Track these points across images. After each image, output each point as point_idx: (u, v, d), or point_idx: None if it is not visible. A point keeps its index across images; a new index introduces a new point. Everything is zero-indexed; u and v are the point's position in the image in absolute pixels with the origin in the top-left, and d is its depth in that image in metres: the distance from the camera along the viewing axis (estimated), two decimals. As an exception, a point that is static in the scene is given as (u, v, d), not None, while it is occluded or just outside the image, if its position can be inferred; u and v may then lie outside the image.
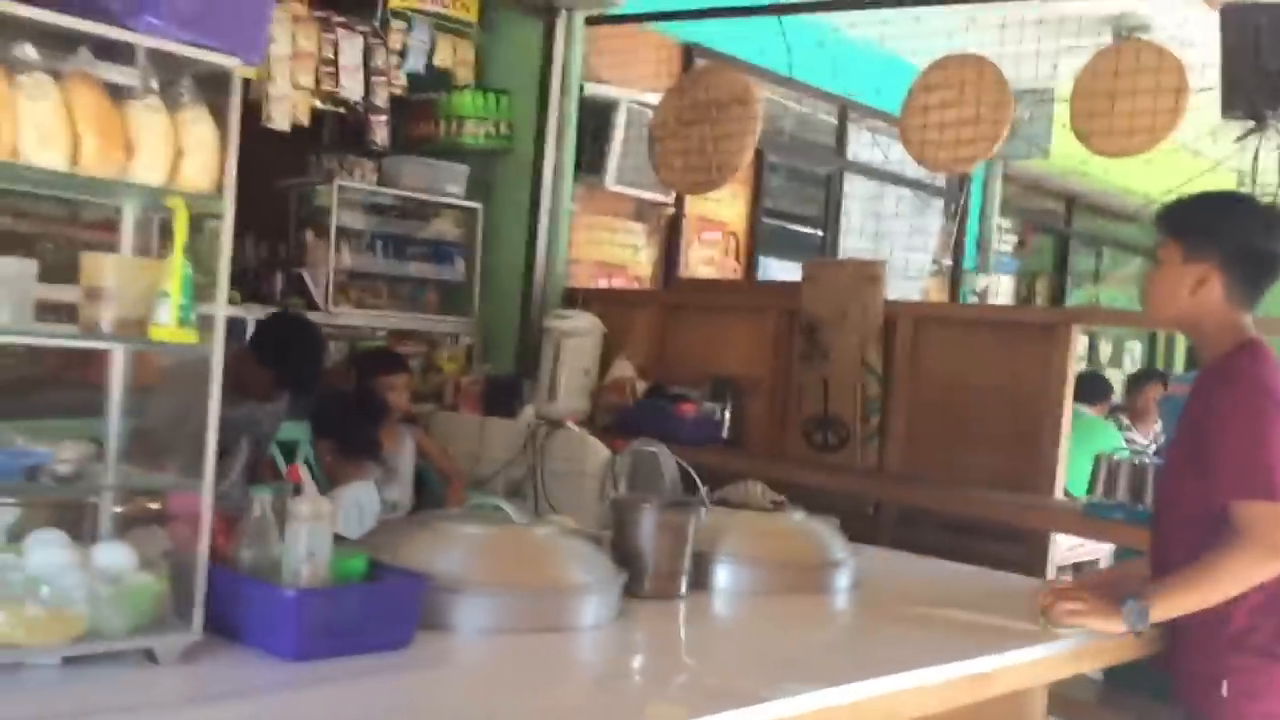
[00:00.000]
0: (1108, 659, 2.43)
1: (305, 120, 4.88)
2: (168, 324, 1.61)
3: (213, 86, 1.67)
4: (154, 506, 1.88)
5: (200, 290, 1.66)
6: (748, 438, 4.94)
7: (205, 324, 1.65)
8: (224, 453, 3.65)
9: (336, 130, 5.57)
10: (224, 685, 1.60)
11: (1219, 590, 2.20)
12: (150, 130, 1.56)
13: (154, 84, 1.58)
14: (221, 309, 1.65)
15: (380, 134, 5.20)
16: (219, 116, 1.65)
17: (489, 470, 4.79)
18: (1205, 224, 2.34)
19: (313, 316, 4.97)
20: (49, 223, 3.24)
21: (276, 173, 5.24)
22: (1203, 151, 5.70)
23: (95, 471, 1.69)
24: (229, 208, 1.65)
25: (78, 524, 1.81)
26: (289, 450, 4.09)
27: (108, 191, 1.69)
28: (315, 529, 1.76)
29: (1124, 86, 4.22)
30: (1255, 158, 4.76)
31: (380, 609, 1.77)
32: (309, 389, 3.89)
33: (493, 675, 1.81)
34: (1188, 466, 2.33)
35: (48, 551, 1.59)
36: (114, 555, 1.65)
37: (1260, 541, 2.16)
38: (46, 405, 2.02)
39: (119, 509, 1.86)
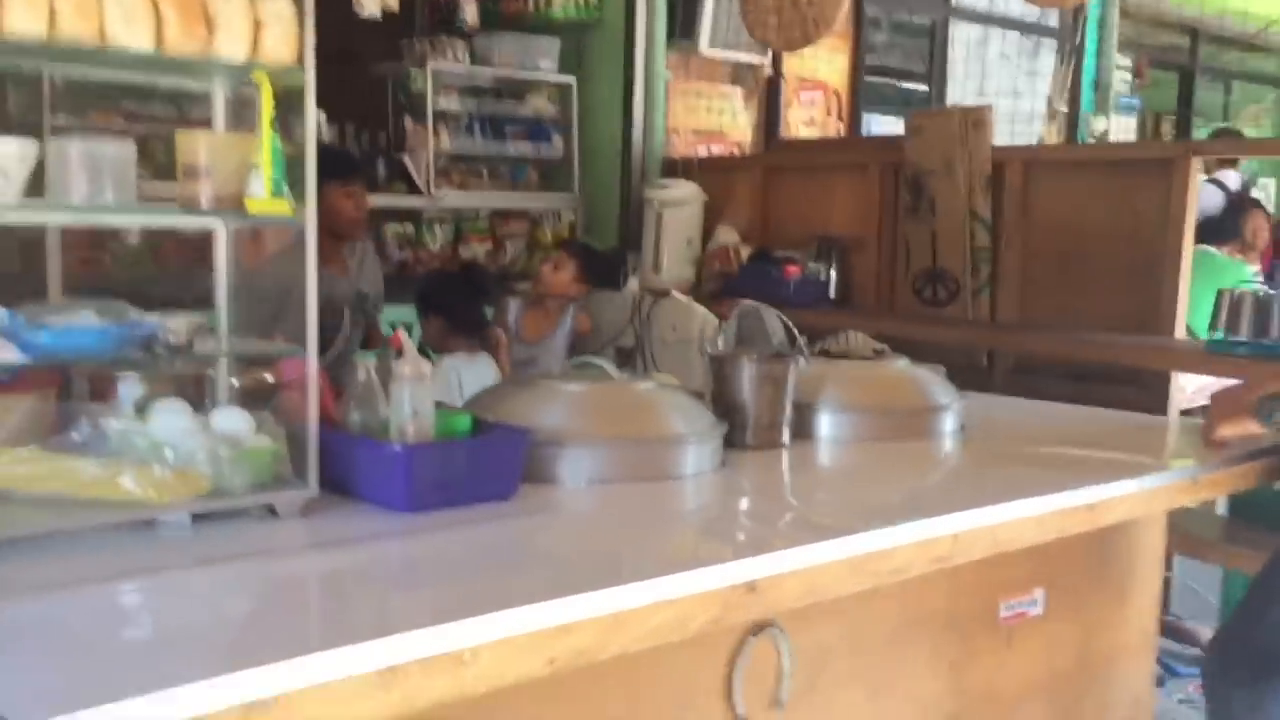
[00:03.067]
0: (1224, 489, 2.38)
1: (395, 5, 4.88)
2: (261, 196, 1.66)
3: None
4: (268, 379, 1.96)
5: (292, 163, 1.70)
6: (856, 297, 4.90)
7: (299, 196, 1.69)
8: (326, 328, 3.79)
9: (427, 13, 5.57)
10: (343, 533, 1.69)
11: None
12: (229, 4, 1.59)
13: (226, -42, 1.60)
14: (311, 179, 1.69)
15: (470, 12, 5.20)
16: (294, -13, 1.66)
17: (599, 344, 4.84)
18: None
19: (417, 200, 5.07)
20: (154, 122, 3.35)
21: (372, 60, 5.28)
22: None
23: (207, 344, 1.77)
24: (310, 78, 1.67)
25: (197, 395, 1.90)
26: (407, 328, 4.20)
27: (194, 70, 1.73)
28: (417, 388, 1.82)
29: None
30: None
31: (484, 461, 1.84)
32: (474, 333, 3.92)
33: (596, 520, 1.87)
34: None
35: (170, 418, 1.69)
36: (231, 420, 1.73)
37: None
38: (159, 296, 2.10)
39: (235, 381, 1.95)
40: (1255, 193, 9.93)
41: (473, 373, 3.64)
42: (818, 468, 2.37)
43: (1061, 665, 2.50)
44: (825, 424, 2.50)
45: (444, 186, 5.15)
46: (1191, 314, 4.09)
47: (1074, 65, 7.67)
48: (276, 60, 1.66)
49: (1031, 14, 7.41)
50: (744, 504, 2.08)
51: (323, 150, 4.74)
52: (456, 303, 3.75)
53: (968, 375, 4.13)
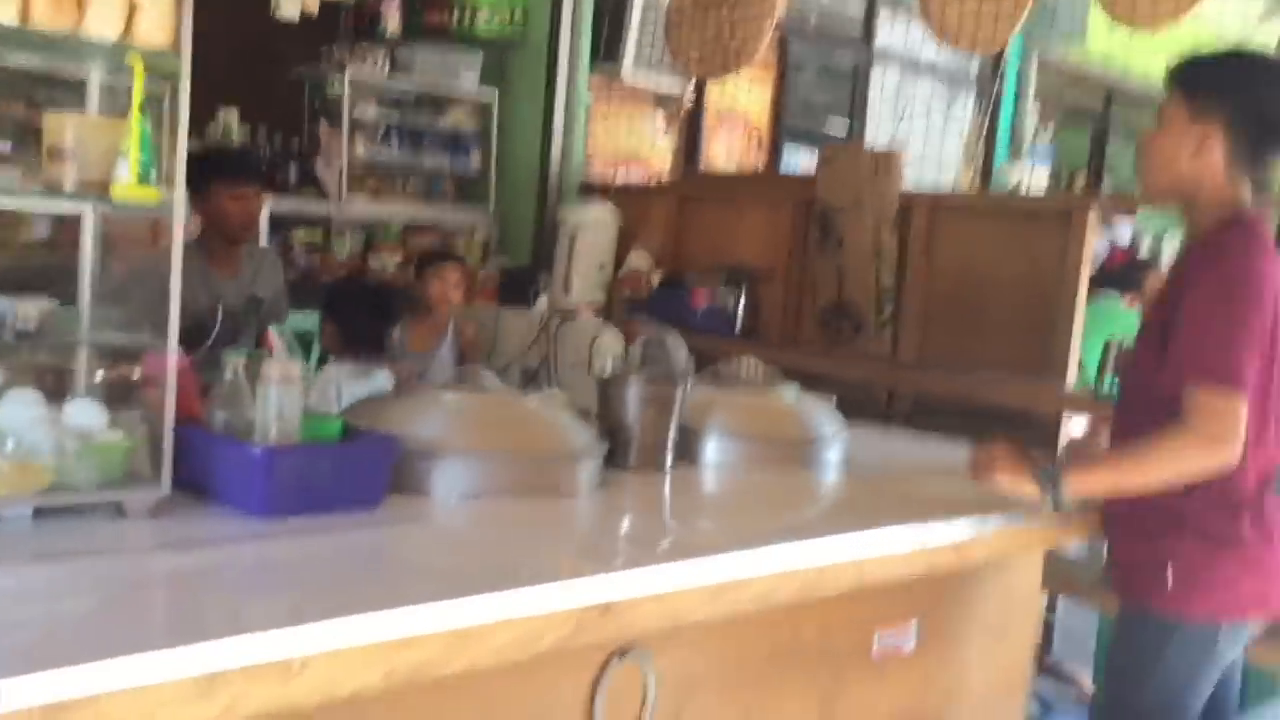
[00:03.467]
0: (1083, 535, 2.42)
1: (314, 9, 4.82)
2: (127, 181, 1.61)
3: (167, -60, 1.63)
4: (134, 373, 1.90)
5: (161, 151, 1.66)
6: (763, 327, 4.93)
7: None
8: (207, 328, 3.70)
9: (349, 20, 5.51)
10: (191, 534, 1.64)
11: (1145, 475, 2.05)
12: (100, -17, 1.55)
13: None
14: (181, 164, 1.64)
15: (392, 21, 5.15)
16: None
17: (503, 362, 4.81)
18: (1217, 80, 2.14)
19: (326, 206, 5.00)
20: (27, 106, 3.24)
21: (290, 64, 5.21)
22: (1251, 39, 5.51)
23: (65, 332, 1.72)
24: (186, 64, 1.63)
25: (58, 386, 1.83)
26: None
27: (63, 50, 1.68)
28: (284, 390, 1.77)
29: (1150, -43, 4.07)
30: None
31: (349, 468, 1.80)
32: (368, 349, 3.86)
33: (461, 534, 1.84)
34: (1155, 347, 2.13)
35: (16, 407, 1.62)
36: (85, 413, 1.67)
37: (1199, 430, 1.98)
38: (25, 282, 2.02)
39: (101, 373, 1.88)
40: (1165, 249, 10.24)
41: (362, 388, 3.55)
42: (695, 492, 2.36)
43: (933, 701, 2.51)
44: (710, 449, 2.50)
45: (356, 195, 5.08)
46: (1087, 357, 4.18)
47: (990, 114, 7.84)
48: (151, 43, 1.62)
49: (952, 63, 7.56)
50: (614, 525, 2.06)
51: (214, 151, 4.61)
52: (355, 316, 3.66)
53: (867, 410, 4.17)
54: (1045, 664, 3.95)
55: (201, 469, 1.76)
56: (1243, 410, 1.98)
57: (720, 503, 2.29)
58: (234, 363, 1.85)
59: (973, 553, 2.17)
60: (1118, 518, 2.25)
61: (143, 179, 1.62)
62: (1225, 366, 1.98)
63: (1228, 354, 1.99)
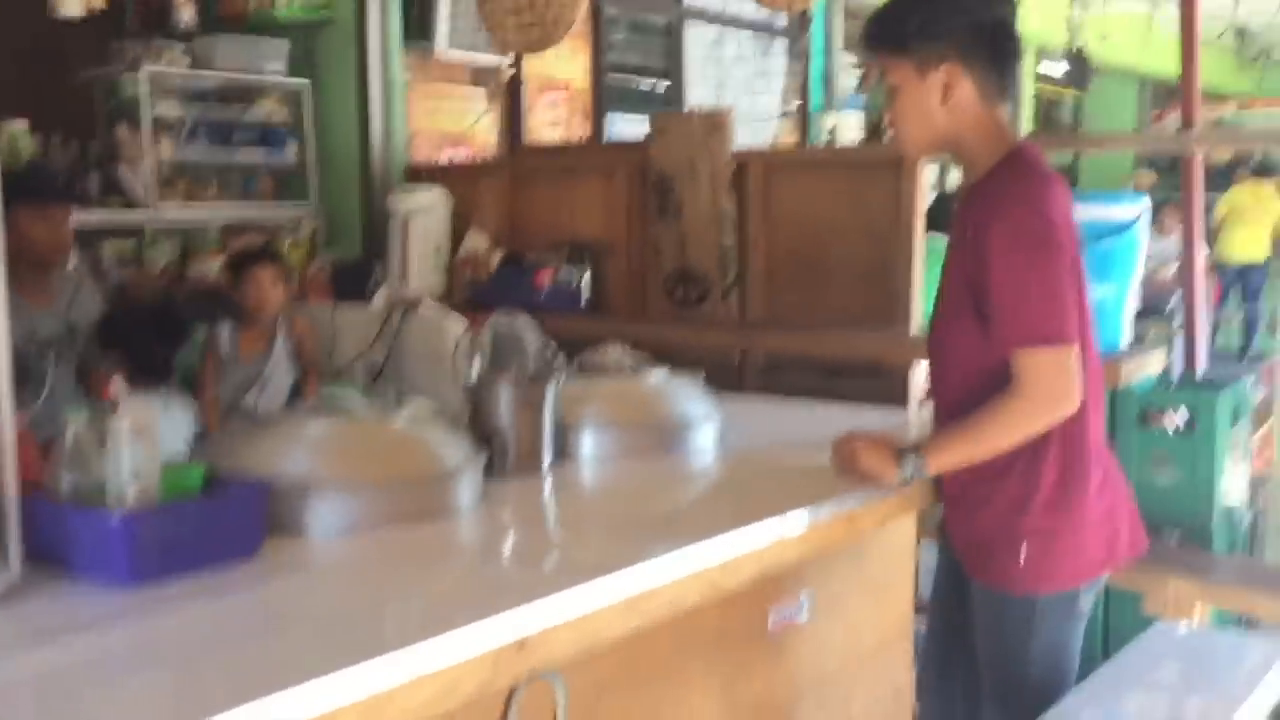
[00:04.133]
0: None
1: (100, 3, 4.49)
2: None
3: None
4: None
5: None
6: (609, 301, 4.88)
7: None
8: (31, 370, 3.43)
9: (135, 14, 5.16)
10: (54, 621, 1.49)
11: (994, 442, 2.04)
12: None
13: None
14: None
15: (186, 13, 4.85)
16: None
17: (345, 360, 4.63)
18: (924, 21, 2.04)
19: (136, 214, 4.69)
20: None
21: (77, 65, 4.85)
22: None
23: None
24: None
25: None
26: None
27: None
28: (138, 444, 1.63)
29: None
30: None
31: (220, 521, 1.67)
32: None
33: (348, 576, 1.73)
34: (962, 305, 2.09)
35: None
36: (-90, 498, 1.50)
37: (1040, 389, 1.97)
38: None
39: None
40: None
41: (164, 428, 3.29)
42: (581, 493, 2.30)
43: (829, 667, 2.54)
44: (586, 443, 2.44)
45: (167, 199, 4.79)
46: (928, 303, 4.27)
47: (803, 64, 7.95)
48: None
49: (762, 15, 7.61)
50: (507, 545, 1.98)
51: (12, 171, 4.27)
52: (135, 341, 3.35)
53: (721, 374, 4.17)
54: (918, 604, 4.06)
55: (54, 541, 1.60)
56: (1074, 362, 1.99)
57: (609, 504, 2.24)
58: (76, 419, 1.69)
59: (864, 522, 2.18)
60: (958, 499, 2.21)
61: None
62: (1048, 323, 1.97)
63: (1048, 307, 1.97)
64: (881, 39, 2.11)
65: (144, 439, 1.64)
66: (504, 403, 2.28)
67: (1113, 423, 3.77)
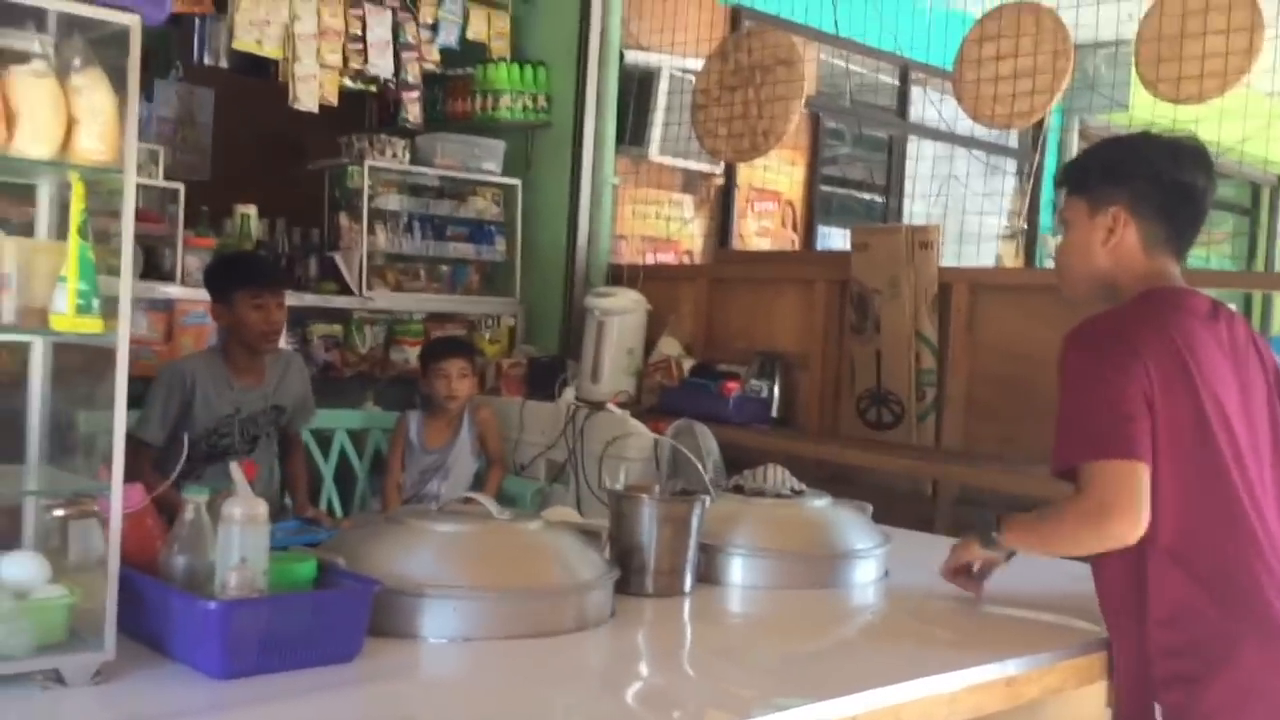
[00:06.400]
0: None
1: (334, 100, 4.75)
2: (65, 312, 1.46)
3: (114, 48, 1.50)
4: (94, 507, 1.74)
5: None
6: (798, 416, 4.71)
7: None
8: (224, 444, 3.53)
9: (372, 110, 5.45)
10: (139, 708, 1.46)
11: (1055, 535, 2.04)
12: (33, 94, 1.41)
13: (39, 47, 1.43)
14: (126, 292, 1.49)
15: (413, 111, 5.07)
16: (120, 82, 1.48)
17: (528, 455, 4.63)
18: (1106, 166, 2.09)
19: (347, 301, 4.88)
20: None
21: (311, 156, 5.14)
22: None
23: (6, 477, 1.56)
24: (130, 180, 1.49)
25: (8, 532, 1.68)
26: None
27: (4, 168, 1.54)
28: (248, 532, 1.60)
29: (1193, 28, 3.90)
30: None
31: (320, 619, 1.61)
32: None
33: (454, 687, 1.65)
34: None
35: (-57, 565, 1.46)
36: (22, 567, 1.51)
37: (1091, 497, 1.93)
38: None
39: (59, 511, 1.72)
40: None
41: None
42: (718, 624, 2.15)
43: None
44: (733, 568, 2.30)
45: (378, 286, 4.96)
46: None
47: (1033, 185, 7.64)
48: (91, 160, 1.47)
49: (990, 133, 7.39)
50: (631, 679, 1.84)
51: (233, 258, 4.50)
52: None
53: (911, 504, 3.94)
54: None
55: (154, 622, 1.58)
56: (1137, 478, 1.89)
57: (745, 641, 2.07)
58: (195, 501, 1.68)
59: (1027, 688, 1.94)
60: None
61: (83, 309, 1.47)
62: (1094, 438, 1.94)
63: (1093, 425, 1.94)
64: (1065, 175, 2.18)
65: (254, 527, 1.61)
66: (646, 519, 2.17)
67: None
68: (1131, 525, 1.89)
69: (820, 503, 2.48)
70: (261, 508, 1.63)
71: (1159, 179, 2.05)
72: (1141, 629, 1.93)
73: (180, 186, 4.38)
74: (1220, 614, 1.88)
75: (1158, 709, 1.90)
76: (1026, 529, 2.11)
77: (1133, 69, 4.22)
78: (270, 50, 4.58)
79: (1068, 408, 2.00)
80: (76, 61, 1.46)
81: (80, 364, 1.63)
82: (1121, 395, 1.91)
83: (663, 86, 5.50)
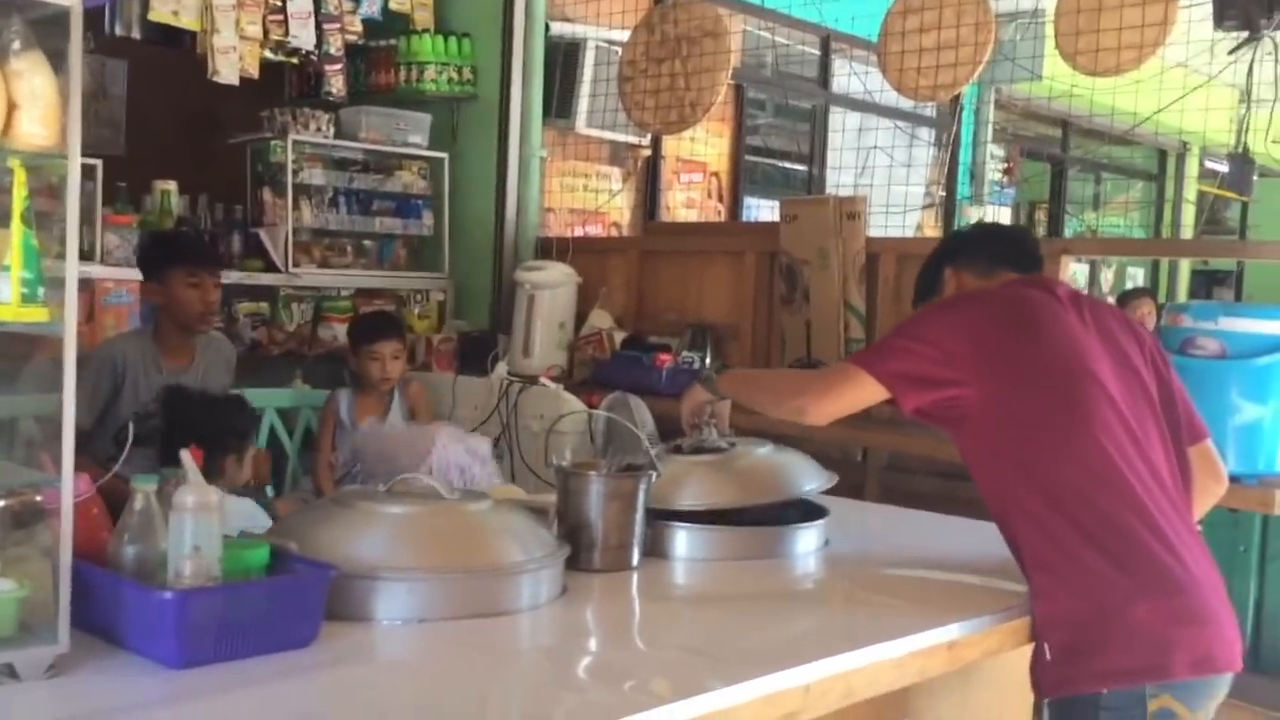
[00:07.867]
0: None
1: (254, 72, 4.65)
2: (9, 301, 1.43)
3: (55, 30, 1.46)
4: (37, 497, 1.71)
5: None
6: (730, 386, 4.76)
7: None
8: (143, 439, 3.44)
9: (293, 82, 5.35)
10: (96, 700, 1.44)
11: (763, 388, 2.42)
12: (-31, 82, 1.38)
13: (-27, 30, 1.39)
14: (72, 279, 1.46)
15: (336, 84, 4.99)
16: (60, 64, 1.45)
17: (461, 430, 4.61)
18: (925, 271, 2.42)
19: (273, 279, 4.81)
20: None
21: (230, 130, 5.03)
22: (1197, 68, 5.44)
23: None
24: (75, 167, 1.45)
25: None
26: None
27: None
28: (200, 520, 1.59)
29: (1109, 1, 4.00)
30: (1250, 72, 4.52)
31: (276, 605, 1.61)
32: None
33: (411, 668, 1.66)
34: None
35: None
36: (-33, 561, 1.48)
37: (816, 377, 2.28)
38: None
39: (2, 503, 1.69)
40: (1127, 281, 10.26)
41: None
42: (667, 597, 2.18)
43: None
44: (679, 541, 2.33)
45: (304, 263, 4.89)
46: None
47: (950, 155, 7.76)
48: (33, 145, 1.44)
49: (911, 103, 7.48)
50: (583, 653, 1.86)
51: (168, 236, 4.37)
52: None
53: (841, 469, 4.00)
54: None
55: (107, 614, 1.57)
56: (861, 388, 2.10)
57: (693, 616, 2.10)
58: (144, 490, 1.66)
59: (966, 652, 2.00)
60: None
61: (28, 298, 1.44)
62: (871, 351, 2.36)
63: (882, 342, 2.22)
64: (916, 296, 2.49)
65: (205, 515, 1.59)
66: (593, 495, 2.19)
67: (1264, 549, 3.49)
68: (818, 412, 2.15)
69: (762, 449, 2.53)
70: (214, 495, 1.62)
71: (962, 239, 2.51)
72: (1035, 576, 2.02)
73: (98, 162, 4.27)
74: (1097, 558, 1.96)
75: (1046, 648, 1.99)
76: (743, 378, 2.44)
77: (1049, 41, 4.31)
78: (188, 21, 4.47)
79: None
80: (16, 45, 1.42)
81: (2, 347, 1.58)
82: (921, 338, 2.09)
83: (589, 58, 5.48)
